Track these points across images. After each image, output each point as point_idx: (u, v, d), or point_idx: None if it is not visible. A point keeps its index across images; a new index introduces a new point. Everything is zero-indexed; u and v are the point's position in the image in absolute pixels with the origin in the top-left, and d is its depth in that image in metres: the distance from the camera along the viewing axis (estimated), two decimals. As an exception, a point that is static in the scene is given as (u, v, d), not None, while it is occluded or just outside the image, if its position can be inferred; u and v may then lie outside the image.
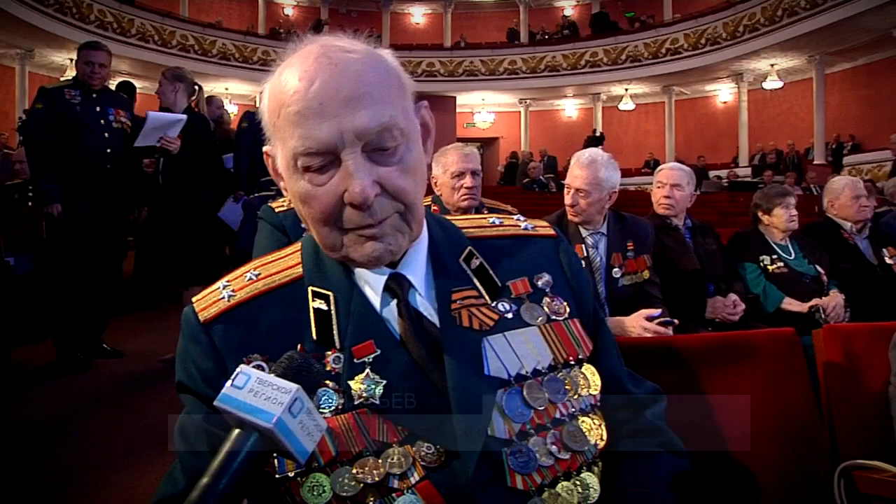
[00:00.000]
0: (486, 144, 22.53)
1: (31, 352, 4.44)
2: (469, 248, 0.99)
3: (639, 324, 2.40)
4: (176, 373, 0.92)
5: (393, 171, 0.85)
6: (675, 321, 2.45)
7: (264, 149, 0.94)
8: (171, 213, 4.39)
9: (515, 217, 1.11)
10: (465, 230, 1.03)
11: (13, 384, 3.93)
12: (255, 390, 0.69)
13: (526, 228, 1.07)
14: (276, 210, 2.04)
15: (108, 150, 4.27)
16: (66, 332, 4.20)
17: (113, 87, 5.13)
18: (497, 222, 1.07)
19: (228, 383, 0.70)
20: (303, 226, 1.96)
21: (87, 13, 16.32)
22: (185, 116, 4.32)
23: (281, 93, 0.85)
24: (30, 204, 5.34)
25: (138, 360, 4.49)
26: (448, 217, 1.08)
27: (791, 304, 3.31)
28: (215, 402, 0.70)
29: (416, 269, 0.94)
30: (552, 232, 1.08)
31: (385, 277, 0.92)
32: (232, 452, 0.68)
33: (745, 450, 1.40)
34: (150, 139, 4.27)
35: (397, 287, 0.91)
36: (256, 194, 4.06)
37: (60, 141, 4.08)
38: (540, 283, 1.00)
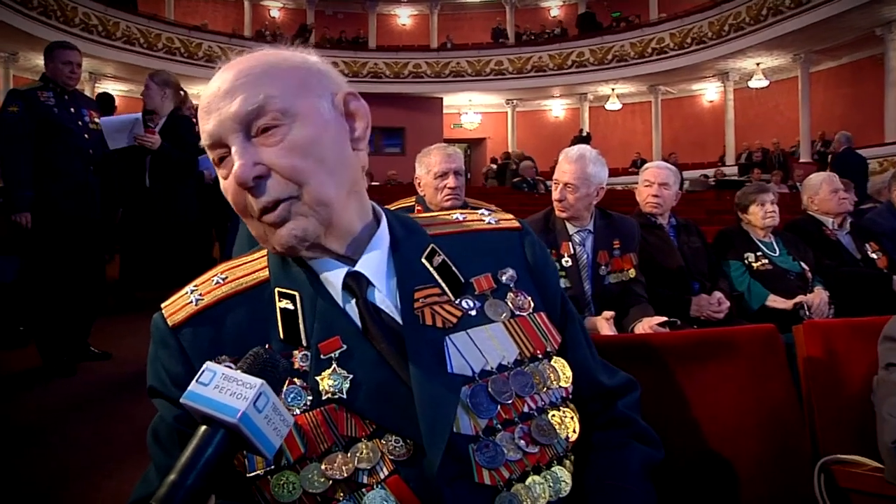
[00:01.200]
0: (474, 145, 22.58)
1: (16, 357, 4.39)
2: (431, 245, 0.98)
3: (648, 328, 2.44)
4: (147, 377, 0.93)
5: (276, 150, 0.86)
6: (678, 321, 2.48)
7: None
8: (157, 215, 4.35)
9: (479, 212, 1.10)
10: (427, 227, 1.03)
11: (0, 388, 3.90)
12: (221, 386, 0.69)
13: (490, 223, 1.07)
14: None
15: (91, 152, 4.23)
16: (50, 336, 4.15)
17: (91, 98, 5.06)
18: (460, 218, 1.07)
19: (194, 381, 0.70)
20: None
21: (71, 16, 16.21)
22: (139, 115, 4.28)
23: None
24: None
25: (125, 362, 4.45)
26: (411, 215, 1.07)
27: (776, 302, 3.32)
28: (181, 400, 0.69)
29: (376, 268, 0.93)
30: (516, 224, 1.07)
31: (342, 275, 0.92)
32: (199, 448, 0.68)
33: (725, 446, 1.40)
34: (119, 142, 4.25)
35: (355, 285, 0.91)
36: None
37: (41, 145, 4.01)
38: (504, 278, 0.99)
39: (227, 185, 0.89)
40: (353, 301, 0.91)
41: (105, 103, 5.74)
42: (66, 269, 4.11)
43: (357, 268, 0.92)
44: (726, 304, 3.11)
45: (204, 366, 0.71)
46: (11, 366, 4.28)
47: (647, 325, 2.43)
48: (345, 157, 0.93)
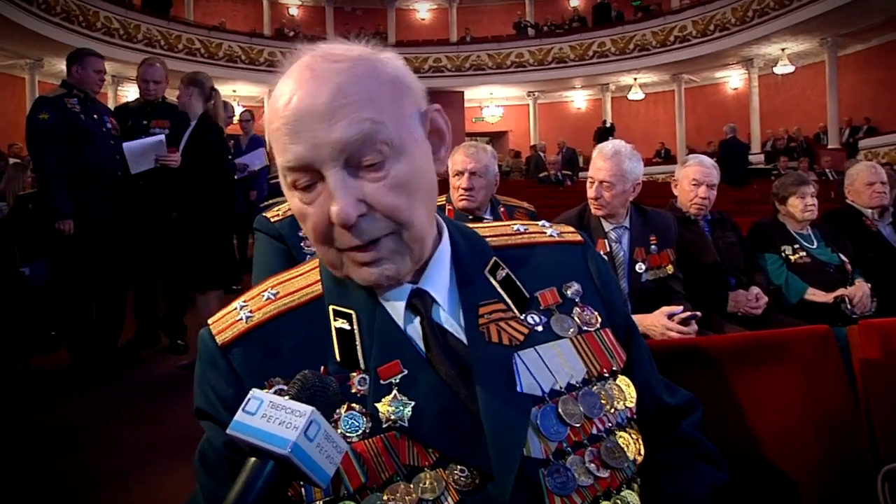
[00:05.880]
0: (496, 138, 22.45)
1: (48, 361, 4.44)
2: (494, 258, 0.94)
3: (660, 322, 2.34)
4: (194, 398, 0.88)
5: (380, 187, 0.79)
6: (698, 314, 2.38)
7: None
8: (185, 217, 4.35)
9: (541, 223, 1.05)
10: (488, 239, 0.98)
11: (32, 392, 3.95)
12: (268, 415, 0.65)
13: (552, 235, 1.02)
14: (272, 220, 2.00)
15: (117, 157, 4.26)
16: (81, 340, 4.19)
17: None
18: (522, 229, 1.02)
19: (240, 409, 0.66)
20: (300, 233, 1.92)
21: (93, 20, 16.38)
22: (161, 137, 4.22)
23: (271, 109, 0.82)
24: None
25: (155, 366, 4.50)
26: (470, 225, 1.02)
27: (815, 295, 3.24)
28: (228, 431, 0.66)
29: (440, 284, 0.89)
30: (579, 238, 1.02)
31: (406, 295, 0.87)
32: (248, 483, 0.64)
33: (780, 453, 1.35)
34: (143, 165, 4.22)
35: (420, 304, 0.86)
36: (268, 202, 3.99)
37: (71, 151, 4.03)
38: (569, 292, 0.95)
39: (308, 212, 0.81)
40: (417, 320, 0.86)
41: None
42: (94, 274, 4.14)
43: (422, 285, 0.88)
44: (764, 299, 3.04)
45: (250, 393, 0.67)
46: (44, 369, 4.33)
47: (661, 315, 2.35)
48: (432, 181, 0.87)
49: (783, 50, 17.63)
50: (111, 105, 10.32)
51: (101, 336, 4.30)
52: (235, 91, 19.36)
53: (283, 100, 0.79)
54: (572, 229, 1.04)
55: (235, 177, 5.64)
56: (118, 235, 4.28)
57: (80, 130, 4.07)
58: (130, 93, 18.08)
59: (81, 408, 3.72)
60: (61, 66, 16.46)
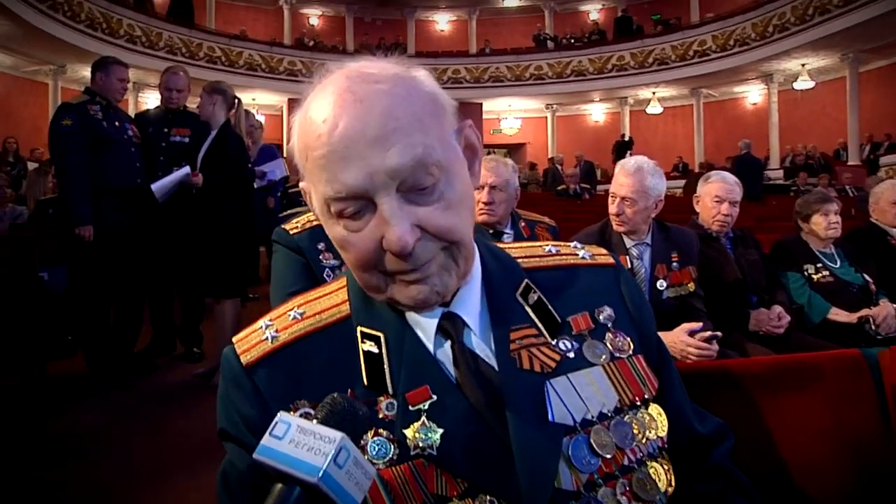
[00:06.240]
0: (513, 150, 22.46)
1: (64, 366, 4.46)
2: (526, 281, 0.91)
3: (681, 339, 2.31)
4: (218, 419, 0.86)
5: (433, 210, 0.77)
6: (719, 334, 2.35)
7: (301, 185, 0.87)
8: (202, 226, 4.37)
9: (572, 244, 1.02)
10: (520, 260, 0.95)
11: (49, 398, 3.97)
12: (296, 440, 0.63)
13: (584, 257, 0.99)
14: (291, 232, 1.99)
15: (138, 165, 4.29)
16: (98, 346, 4.21)
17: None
18: (553, 251, 1.00)
19: (267, 434, 0.64)
20: (319, 246, 1.91)
21: (116, 28, 16.61)
22: (186, 169, 4.23)
23: (307, 133, 0.78)
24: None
25: (170, 373, 4.51)
26: (501, 245, 1.00)
27: (838, 315, 3.19)
28: (254, 456, 0.64)
29: (471, 308, 0.86)
30: (611, 260, 1.00)
31: (437, 318, 0.84)
32: None
33: (810, 479, 1.32)
34: (168, 195, 4.27)
35: (451, 328, 0.84)
36: (288, 212, 3.97)
37: (93, 158, 4.06)
38: (601, 317, 0.92)
39: (355, 239, 0.79)
40: (447, 345, 0.84)
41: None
42: (112, 280, 4.16)
43: (453, 309, 0.85)
44: (786, 318, 2.99)
45: (277, 417, 0.66)
46: (62, 375, 4.35)
47: (682, 332, 2.31)
48: (472, 197, 0.86)
49: (803, 65, 17.55)
50: (131, 112, 10.43)
51: (118, 342, 4.31)
52: (255, 99, 19.53)
53: (326, 125, 0.76)
54: (604, 251, 1.02)
55: (255, 185, 5.66)
56: (136, 243, 4.30)
57: (101, 138, 4.11)
58: (151, 99, 18.29)
59: (96, 414, 3.73)
60: (84, 72, 16.71)
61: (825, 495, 1.31)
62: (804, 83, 17.83)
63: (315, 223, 1.89)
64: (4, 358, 4.09)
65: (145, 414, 3.77)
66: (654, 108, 21.05)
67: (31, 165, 10.36)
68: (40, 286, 4.48)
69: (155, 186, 4.19)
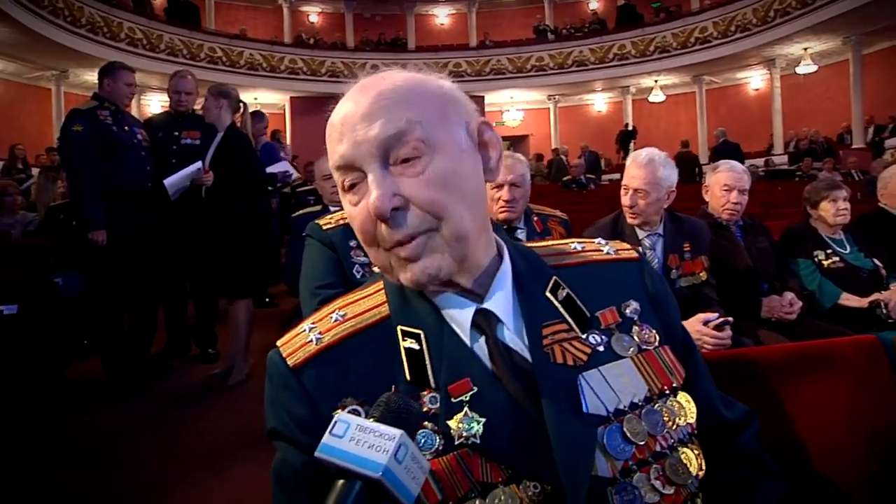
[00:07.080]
0: (516, 142, 22.43)
1: (81, 370, 4.51)
2: (554, 277, 0.95)
3: (696, 328, 2.34)
4: (267, 420, 0.90)
5: (417, 181, 0.83)
6: (731, 319, 2.38)
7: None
8: (214, 225, 4.40)
9: (597, 241, 1.07)
10: (546, 258, 0.99)
11: (68, 402, 4.00)
12: (357, 438, 0.67)
13: (609, 253, 1.03)
14: (324, 227, 2.05)
15: (148, 168, 4.32)
16: (114, 349, 4.25)
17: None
18: (579, 248, 1.04)
19: (327, 433, 0.68)
20: (351, 243, 1.96)
21: (117, 31, 16.61)
22: (198, 164, 4.27)
23: (328, 125, 0.89)
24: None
25: (186, 375, 4.55)
26: (527, 244, 1.05)
27: (849, 300, 3.22)
28: (316, 454, 0.67)
29: (503, 303, 0.90)
30: (635, 255, 1.04)
31: (471, 314, 0.88)
32: None
33: (829, 467, 1.34)
34: (181, 191, 4.30)
35: (485, 323, 0.88)
36: (300, 212, 4.00)
37: (104, 163, 4.09)
38: (628, 311, 0.96)
39: (355, 213, 0.86)
40: (482, 340, 0.88)
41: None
42: (125, 284, 4.20)
43: (486, 305, 0.89)
44: (798, 304, 3.02)
45: (335, 417, 0.69)
46: (79, 379, 4.39)
47: (697, 321, 2.34)
48: (480, 189, 0.90)
49: (805, 49, 17.48)
50: (134, 114, 10.42)
51: (133, 345, 4.35)
52: (257, 99, 19.51)
53: (335, 114, 0.88)
54: (628, 246, 1.06)
55: (277, 185, 5.70)
56: (149, 246, 4.34)
57: (112, 142, 4.14)
58: (153, 102, 18.32)
59: (115, 417, 3.77)
60: (86, 76, 16.69)
61: (845, 480, 1.33)
62: (807, 67, 17.74)
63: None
64: (23, 363, 4.15)
65: (164, 415, 3.81)
66: (657, 97, 20.98)
67: (35, 171, 10.39)
68: (56, 292, 4.53)
69: (167, 182, 4.22)
